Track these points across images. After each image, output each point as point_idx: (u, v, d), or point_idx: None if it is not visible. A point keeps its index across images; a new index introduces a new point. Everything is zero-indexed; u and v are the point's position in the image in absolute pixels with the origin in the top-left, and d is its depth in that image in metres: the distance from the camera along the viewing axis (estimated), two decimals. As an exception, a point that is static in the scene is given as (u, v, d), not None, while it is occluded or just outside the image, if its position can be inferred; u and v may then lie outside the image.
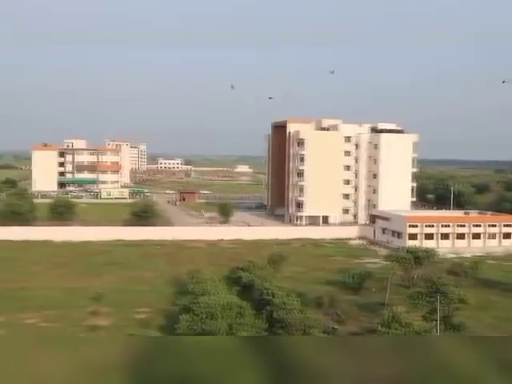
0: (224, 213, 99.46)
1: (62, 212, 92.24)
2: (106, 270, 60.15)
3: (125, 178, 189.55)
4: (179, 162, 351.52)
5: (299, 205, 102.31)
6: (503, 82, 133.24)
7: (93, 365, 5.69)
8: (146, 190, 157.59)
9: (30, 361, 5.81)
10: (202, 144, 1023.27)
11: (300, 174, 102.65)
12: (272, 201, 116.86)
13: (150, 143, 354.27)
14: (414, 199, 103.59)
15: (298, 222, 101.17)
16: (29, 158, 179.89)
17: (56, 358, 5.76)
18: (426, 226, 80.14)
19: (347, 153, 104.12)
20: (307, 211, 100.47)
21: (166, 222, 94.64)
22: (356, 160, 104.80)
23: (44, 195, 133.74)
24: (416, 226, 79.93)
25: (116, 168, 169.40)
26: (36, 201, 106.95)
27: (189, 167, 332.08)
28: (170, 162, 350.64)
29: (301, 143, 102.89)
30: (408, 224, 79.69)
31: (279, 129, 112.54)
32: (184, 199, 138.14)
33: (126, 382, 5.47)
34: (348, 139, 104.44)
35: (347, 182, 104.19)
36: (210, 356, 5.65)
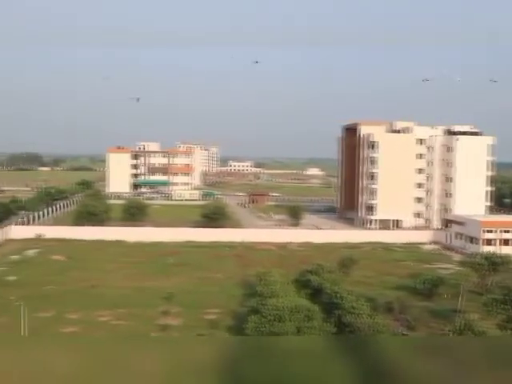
0: (294, 215, 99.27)
1: (134, 213, 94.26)
2: (176, 270, 60.99)
3: (196, 180, 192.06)
4: (250, 164, 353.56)
5: (370, 208, 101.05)
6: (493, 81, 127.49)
7: (188, 366, 5.65)
8: (216, 192, 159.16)
9: (129, 362, 5.82)
10: (273, 146, 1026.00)
11: (371, 177, 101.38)
12: (342, 204, 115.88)
13: (222, 146, 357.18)
14: (491, 204, 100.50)
15: (369, 225, 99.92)
16: (103, 161, 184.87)
17: (153, 358, 5.75)
18: (502, 232, 77.59)
19: (420, 156, 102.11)
20: (378, 215, 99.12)
21: (236, 224, 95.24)
22: (429, 163, 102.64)
23: (118, 196, 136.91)
24: (492, 231, 77.50)
25: (187, 170, 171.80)
26: (110, 202, 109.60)
27: (259, 170, 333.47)
28: (240, 164, 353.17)
29: (372, 146, 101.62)
30: (483, 229, 77.35)
31: (350, 131, 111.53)
32: (254, 201, 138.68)
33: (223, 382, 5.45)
34: (421, 142, 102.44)
35: (419, 186, 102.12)
36: (306, 356, 5.52)
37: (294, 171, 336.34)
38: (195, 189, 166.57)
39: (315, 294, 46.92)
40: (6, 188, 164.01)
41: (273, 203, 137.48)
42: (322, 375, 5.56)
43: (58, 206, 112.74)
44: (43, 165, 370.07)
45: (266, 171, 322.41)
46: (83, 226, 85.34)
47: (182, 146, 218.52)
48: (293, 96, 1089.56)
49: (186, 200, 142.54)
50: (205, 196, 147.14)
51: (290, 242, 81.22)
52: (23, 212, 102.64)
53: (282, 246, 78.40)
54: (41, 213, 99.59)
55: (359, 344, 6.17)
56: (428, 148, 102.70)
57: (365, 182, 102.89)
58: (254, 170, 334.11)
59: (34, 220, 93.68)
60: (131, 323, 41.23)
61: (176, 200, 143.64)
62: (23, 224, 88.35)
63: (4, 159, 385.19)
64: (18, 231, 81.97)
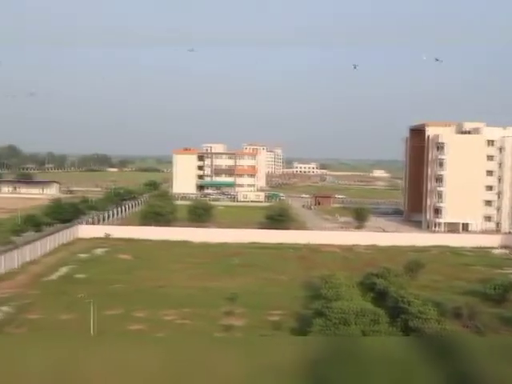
0: (359, 218, 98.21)
1: (200, 214, 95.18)
2: (240, 271, 61.19)
3: (261, 181, 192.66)
4: (314, 166, 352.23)
5: (437, 211, 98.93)
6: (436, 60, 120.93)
7: (269, 366, 5.58)
8: (281, 194, 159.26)
9: (211, 362, 5.78)
10: (339, 148, 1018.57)
11: (439, 179, 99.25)
12: (409, 206, 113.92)
13: (287, 147, 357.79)
14: None
15: (436, 228, 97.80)
16: (170, 162, 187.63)
17: (234, 359, 5.69)
18: None
19: (490, 157, 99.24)
20: (446, 218, 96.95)
21: (301, 226, 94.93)
22: (500, 165, 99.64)
23: (184, 197, 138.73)
24: None
25: (253, 172, 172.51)
26: (176, 202, 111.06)
27: (324, 171, 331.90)
28: (305, 166, 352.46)
29: (440, 147, 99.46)
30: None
31: (417, 132, 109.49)
32: (319, 203, 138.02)
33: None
34: (491, 143, 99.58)
35: (490, 188, 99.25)
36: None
37: (360, 173, 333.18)
38: (260, 190, 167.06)
39: (380, 297, 46.18)
40: (76, 188, 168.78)
41: (338, 205, 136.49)
42: (407, 378, 5.37)
43: (125, 206, 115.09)
44: (112, 166, 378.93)
45: (331, 173, 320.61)
46: (150, 226, 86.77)
47: (247, 147, 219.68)
48: (359, 96, 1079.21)
49: (250, 201, 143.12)
50: (269, 197, 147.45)
51: (356, 245, 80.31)
52: (93, 212, 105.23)
53: (348, 249, 77.59)
54: (109, 213, 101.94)
55: (442, 345, 5.93)
56: (499, 149, 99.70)
57: (432, 184, 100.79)
58: (318, 171, 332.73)
59: (102, 220, 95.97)
60: (195, 323, 41.55)
61: (241, 201, 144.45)
62: (92, 223, 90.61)
63: (76, 160, 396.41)
64: (87, 230, 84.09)
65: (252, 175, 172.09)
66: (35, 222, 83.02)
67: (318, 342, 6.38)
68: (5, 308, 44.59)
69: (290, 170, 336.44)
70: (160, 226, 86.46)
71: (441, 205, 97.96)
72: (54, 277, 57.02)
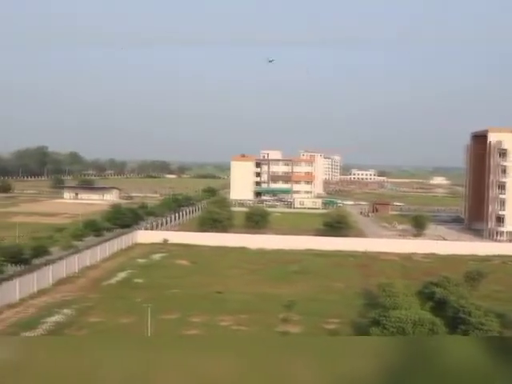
0: (418, 225, 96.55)
1: (257, 220, 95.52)
2: (296, 278, 60.95)
3: (318, 188, 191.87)
4: (373, 173, 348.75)
5: (500, 219, 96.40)
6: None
7: (341, 366, 5.52)
8: (338, 201, 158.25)
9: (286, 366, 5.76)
10: (398, 155, 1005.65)
11: (501, 186, 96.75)
12: (469, 214, 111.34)
13: (344, 154, 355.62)
14: None
15: (498, 237, 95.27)
16: (228, 169, 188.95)
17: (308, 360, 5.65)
18: None
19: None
20: (508, 226, 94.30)
21: (358, 233, 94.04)
22: None
23: (241, 204, 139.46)
24: None
25: (309, 178, 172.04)
26: (233, 209, 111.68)
27: (383, 178, 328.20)
28: (363, 172, 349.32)
29: (503, 153, 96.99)
30: None
31: (480, 139, 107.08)
32: (377, 210, 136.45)
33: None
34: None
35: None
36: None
37: (419, 180, 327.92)
38: (317, 197, 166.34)
39: (439, 307, 45.18)
40: (135, 194, 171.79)
41: (396, 213, 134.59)
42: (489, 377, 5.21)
43: (183, 212, 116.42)
44: (171, 172, 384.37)
45: (389, 180, 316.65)
46: (207, 232, 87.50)
47: (304, 154, 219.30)
48: (419, 104, 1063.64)
49: (307, 208, 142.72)
50: (326, 204, 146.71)
51: (414, 253, 78.95)
52: (151, 217, 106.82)
53: (406, 257, 76.33)
54: (167, 218, 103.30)
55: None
56: None
57: (494, 192, 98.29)
58: (377, 178, 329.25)
59: (161, 225, 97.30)
60: (251, 329, 41.56)
61: (297, 208, 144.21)
62: (151, 229, 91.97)
63: (135, 167, 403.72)
64: (145, 236, 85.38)
65: (309, 182, 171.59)
66: (95, 227, 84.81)
67: (394, 343, 6.23)
68: (66, 310, 45.66)
69: (348, 176, 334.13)
70: (217, 232, 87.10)
71: (503, 213, 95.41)
72: (112, 281, 58.05)
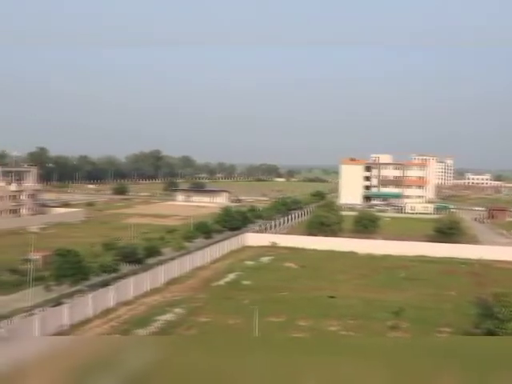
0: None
1: (366, 225, 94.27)
2: (406, 284, 59.44)
3: (430, 193, 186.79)
4: (488, 177, 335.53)
5: None
6: None
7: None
8: (451, 206, 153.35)
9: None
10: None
11: None
12: None
13: (458, 158, 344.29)
14: None
15: None
16: (336, 172, 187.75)
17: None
18: None
19: None
20: None
21: (472, 240, 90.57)
22: None
23: (350, 208, 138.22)
24: None
25: (421, 183, 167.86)
26: (342, 213, 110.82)
27: (499, 183, 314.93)
28: (478, 177, 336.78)
29: None
30: None
31: None
32: (493, 217, 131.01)
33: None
34: None
35: None
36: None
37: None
38: (428, 202, 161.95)
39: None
40: (244, 197, 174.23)
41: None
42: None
43: (292, 215, 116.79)
44: (279, 176, 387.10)
45: (507, 185, 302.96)
46: (315, 235, 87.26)
47: (416, 158, 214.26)
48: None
49: (418, 213, 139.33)
50: (438, 209, 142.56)
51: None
52: (259, 220, 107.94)
53: (524, 266, 72.59)
54: (276, 221, 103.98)
55: None
56: None
57: None
58: (493, 183, 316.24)
59: (269, 228, 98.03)
60: (359, 335, 40.90)
61: (408, 213, 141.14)
62: (259, 232, 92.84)
63: (244, 170, 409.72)
64: (254, 238, 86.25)
65: (420, 186, 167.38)
66: (206, 229, 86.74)
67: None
68: (177, 310, 46.87)
69: (462, 181, 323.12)
70: (325, 236, 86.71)
71: None
72: (221, 282, 59.01)
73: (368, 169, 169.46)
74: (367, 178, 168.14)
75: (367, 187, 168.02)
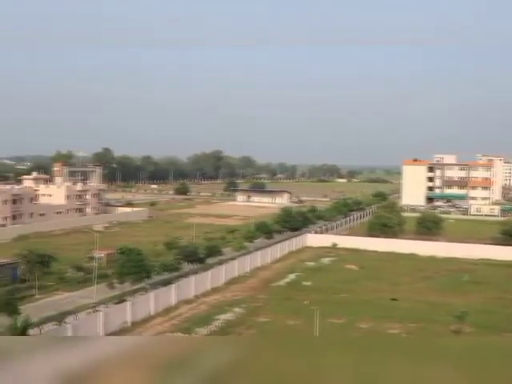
0: None
1: (429, 227, 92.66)
2: (470, 288, 58.02)
3: (496, 194, 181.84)
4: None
5: None
6: None
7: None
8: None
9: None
10: None
11: None
12: None
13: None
14: None
15: None
16: (399, 173, 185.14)
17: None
18: None
19: None
20: None
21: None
22: None
23: (412, 209, 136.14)
24: None
25: (487, 184, 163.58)
26: (404, 214, 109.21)
27: None
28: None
29: None
30: None
31: None
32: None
33: None
34: None
35: None
36: None
37: None
38: (494, 204, 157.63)
39: None
40: (305, 198, 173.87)
41: None
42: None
43: (353, 216, 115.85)
44: (341, 176, 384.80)
45: None
46: (377, 237, 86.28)
47: (481, 158, 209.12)
48: None
49: (484, 215, 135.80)
50: (505, 211, 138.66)
51: None
52: (320, 221, 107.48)
53: None
54: (337, 222, 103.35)
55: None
56: None
57: None
58: None
59: (330, 229, 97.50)
60: (422, 336, 40.17)
61: (473, 215, 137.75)
62: (320, 233, 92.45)
63: (306, 171, 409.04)
64: (314, 239, 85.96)
65: (486, 187, 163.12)
66: (266, 230, 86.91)
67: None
68: (237, 309, 47.17)
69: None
70: (387, 237, 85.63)
71: None
72: (282, 283, 59.05)
73: (431, 169, 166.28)
74: (430, 179, 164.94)
75: (430, 188, 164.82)
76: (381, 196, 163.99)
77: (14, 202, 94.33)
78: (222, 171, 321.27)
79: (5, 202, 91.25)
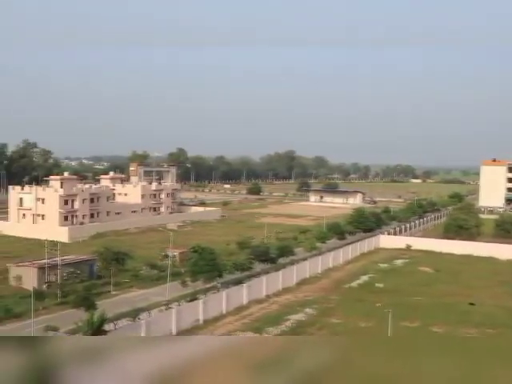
0: None
1: (508, 229, 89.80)
2: (552, 293, 55.72)
3: None
4: None
5: None
6: None
7: None
8: None
9: None
10: None
11: None
12: None
13: None
14: None
15: None
16: (477, 173, 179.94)
17: None
18: None
19: None
20: None
21: None
22: None
23: (490, 211, 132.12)
24: None
25: None
26: (481, 216, 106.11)
27: None
28: None
29: None
30: None
31: None
32: None
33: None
34: None
35: None
36: None
37: None
38: None
39: None
40: (379, 199, 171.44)
41: None
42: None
43: (427, 217, 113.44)
44: (416, 177, 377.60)
45: None
46: (452, 239, 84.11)
47: None
48: None
49: None
50: None
51: None
52: (394, 222, 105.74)
53: None
54: (411, 224, 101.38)
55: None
56: None
57: None
58: None
59: (404, 230, 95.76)
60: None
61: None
62: (394, 234, 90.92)
63: (379, 171, 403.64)
64: (387, 240, 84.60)
65: None
66: (339, 230, 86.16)
67: None
68: (308, 310, 46.93)
69: None
70: (463, 239, 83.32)
71: None
72: (354, 284, 58.38)
73: (511, 170, 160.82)
74: (510, 180, 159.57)
75: (510, 189, 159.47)
76: (457, 197, 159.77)
77: (92, 200, 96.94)
78: (295, 171, 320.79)
79: (83, 200, 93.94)
